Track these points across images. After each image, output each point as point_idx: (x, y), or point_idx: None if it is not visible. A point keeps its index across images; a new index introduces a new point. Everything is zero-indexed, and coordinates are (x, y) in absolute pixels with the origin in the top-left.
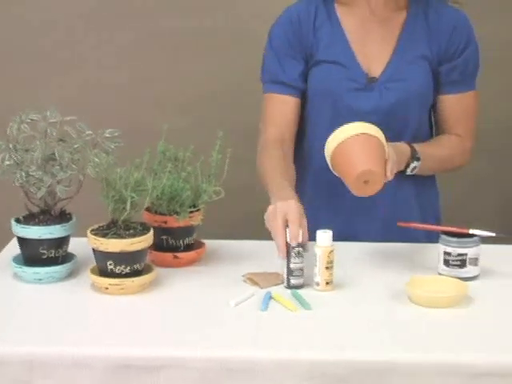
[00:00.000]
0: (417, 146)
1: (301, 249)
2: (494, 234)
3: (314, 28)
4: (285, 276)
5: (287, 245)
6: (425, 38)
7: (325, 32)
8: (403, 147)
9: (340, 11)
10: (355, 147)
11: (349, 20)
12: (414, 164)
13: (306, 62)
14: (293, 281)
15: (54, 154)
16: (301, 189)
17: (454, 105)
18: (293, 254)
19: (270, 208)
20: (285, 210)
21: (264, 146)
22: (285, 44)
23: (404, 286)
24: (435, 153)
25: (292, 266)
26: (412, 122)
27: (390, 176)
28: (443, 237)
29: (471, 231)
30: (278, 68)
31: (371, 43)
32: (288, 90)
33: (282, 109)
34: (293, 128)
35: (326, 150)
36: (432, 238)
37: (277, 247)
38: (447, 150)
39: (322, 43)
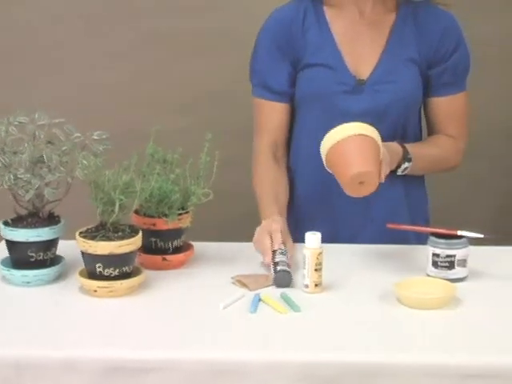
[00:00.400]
0: (409, 147)
1: (284, 249)
2: (482, 236)
3: (303, 31)
4: (272, 272)
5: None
6: (414, 41)
7: (313, 35)
8: (395, 147)
9: (329, 14)
10: (351, 148)
11: (338, 22)
12: (406, 165)
13: (294, 65)
14: (278, 267)
15: (42, 156)
16: (291, 192)
17: (446, 106)
18: (276, 253)
19: (257, 230)
20: (269, 228)
21: (256, 156)
22: (273, 48)
23: (393, 288)
24: (428, 153)
25: (277, 259)
26: (401, 123)
27: (383, 178)
28: (432, 238)
29: (460, 233)
30: (266, 72)
31: (360, 46)
32: (276, 96)
33: (272, 115)
34: (284, 133)
35: (321, 148)
36: (422, 239)
37: (261, 253)
38: (440, 150)
39: (310, 46)
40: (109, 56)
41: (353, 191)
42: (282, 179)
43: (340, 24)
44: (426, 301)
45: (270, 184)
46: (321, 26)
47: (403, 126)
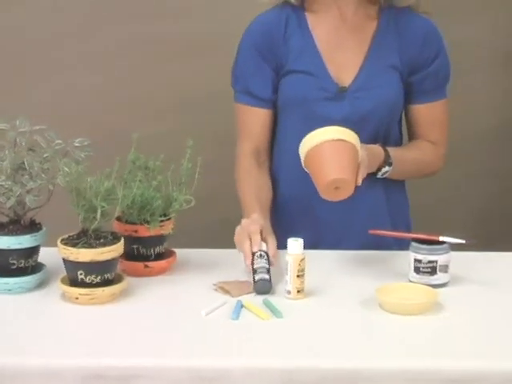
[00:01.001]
0: (391, 150)
1: (263, 252)
2: (463, 241)
3: (285, 38)
4: (251, 280)
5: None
6: (395, 48)
7: (295, 41)
8: (377, 150)
9: (311, 19)
10: (328, 153)
11: (319, 28)
12: (386, 169)
13: (276, 71)
14: (257, 277)
15: (23, 163)
16: (274, 198)
17: (427, 114)
18: (255, 257)
19: (237, 230)
20: (248, 224)
21: (239, 161)
22: (255, 54)
23: (374, 293)
24: (409, 157)
25: (255, 266)
26: (381, 130)
27: (360, 182)
28: (414, 244)
29: (441, 238)
30: (249, 79)
31: (342, 52)
32: (259, 102)
33: (255, 121)
34: (267, 138)
35: (300, 149)
36: (403, 245)
37: (243, 256)
38: (421, 155)
39: (292, 53)
40: (88, 62)
41: (328, 196)
42: (265, 183)
43: (322, 30)
44: (408, 306)
45: (252, 187)
46: (303, 33)
47: (384, 132)
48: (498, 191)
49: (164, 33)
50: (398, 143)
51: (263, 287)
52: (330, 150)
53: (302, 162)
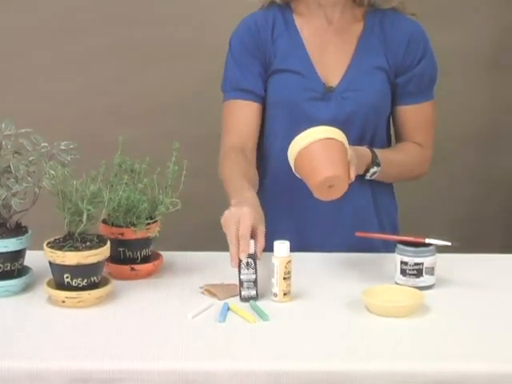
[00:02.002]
0: (378, 152)
1: (250, 260)
2: (449, 244)
3: (273, 37)
4: (238, 289)
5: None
6: (381, 49)
7: (283, 42)
8: (364, 151)
9: (298, 21)
10: (318, 152)
11: (307, 29)
12: (374, 169)
13: (265, 70)
14: (243, 292)
15: (9, 166)
16: (259, 199)
17: (413, 115)
18: (242, 265)
19: (226, 213)
20: (238, 217)
21: (225, 153)
22: (244, 52)
23: (361, 296)
24: (396, 159)
25: (242, 277)
26: (368, 131)
27: (353, 177)
28: (400, 246)
29: (427, 240)
30: (239, 75)
31: (329, 53)
32: (249, 95)
33: (243, 114)
34: (255, 134)
35: (289, 154)
36: (390, 247)
37: (230, 255)
38: (408, 157)
39: (280, 52)
40: (72, 65)
41: (322, 195)
42: (254, 173)
43: (309, 32)
44: (394, 309)
45: (239, 169)
46: (290, 34)
47: (372, 133)
48: (482, 194)
49: (149, 38)
50: (386, 144)
51: (250, 299)
52: (320, 150)
53: (292, 166)
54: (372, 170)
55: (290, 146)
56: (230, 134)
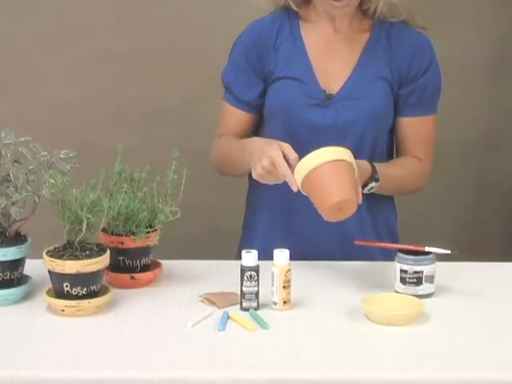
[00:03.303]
0: (378, 166)
1: (253, 272)
2: (449, 252)
3: (275, 46)
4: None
5: (241, 267)
6: (386, 60)
7: (286, 48)
8: (364, 166)
9: (304, 28)
10: (329, 175)
11: (312, 37)
12: (372, 184)
13: (264, 80)
14: (244, 303)
15: (8, 175)
16: (257, 208)
17: (413, 128)
18: (245, 277)
19: (255, 160)
20: (267, 150)
21: (218, 139)
22: (243, 60)
23: (360, 304)
24: (394, 174)
25: (244, 289)
26: (368, 141)
27: (360, 200)
28: (399, 255)
29: (427, 249)
30: (236, 83)
31: (332, 61)
32: (243, 105)
33: (236, 120)
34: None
35: (296, 173)
36: (388, 255)
37: (288, 182)
38: (406, 172)
39: (282, 60)
40: (71, 73)
41: (332, 217)
42: None
43: (314, 39)
44: (393, 317)
45: (233, 137)
46: (294, 41)
47: (371, 144)
48: (482, 200)
49: (149, 45)
50: (386, 155)
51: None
52: (330, 172)
53: (299, 185)
54: (370, 185)
55: (298, 165)
56: (223, 133)
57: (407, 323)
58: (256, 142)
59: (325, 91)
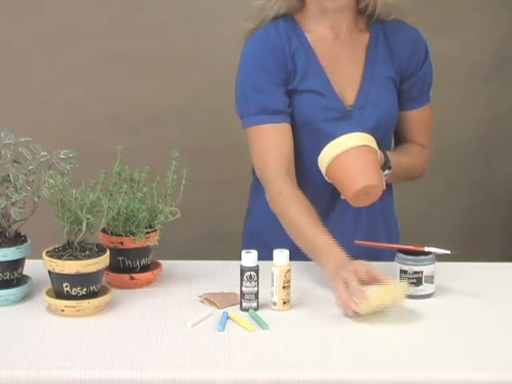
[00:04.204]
0: (389, 154)
1: (253, 273)
2: (449, 252)
3: (291, 53)
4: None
5: (241, 268)
6: (388, 58)
7: (300, 59)
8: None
9: (310, 38)
10: (355, 160)
11: (319, 46)
12: (386, 172)
13: (285, 85)
14: (244, 304)
15: (8, 175)
16: (265, 208)
17: (416, 119)
18: (245, 278)
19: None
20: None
21: (273, 185)
22: (263, 74)
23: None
24: (403, 161)
25: (244, 289)
26: (385, 141)
27: (385, 186)
28: (399, 255)
29: (427, 249)
30: (265, 97)
31: (341, 68)
32: (279, 117)
33: (281, 138)
34: (293, 155)
35: (321, 158)
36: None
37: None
38: (413, 158)
39: (299, 71)
40: (70, 75)
41: (357, 202)
42: (307, 201)
43: (322, 48)
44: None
45: (305, 212)
46: (306, 51)
47: (386, 142)
48: (481, 202)
49: (148, 47)
50: (390, 145)
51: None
52: (356, 157)
53: (324, 172)
54: (384, 173)
55: (323, 151)
56: (268, 165)
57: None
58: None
59: (343, 103)
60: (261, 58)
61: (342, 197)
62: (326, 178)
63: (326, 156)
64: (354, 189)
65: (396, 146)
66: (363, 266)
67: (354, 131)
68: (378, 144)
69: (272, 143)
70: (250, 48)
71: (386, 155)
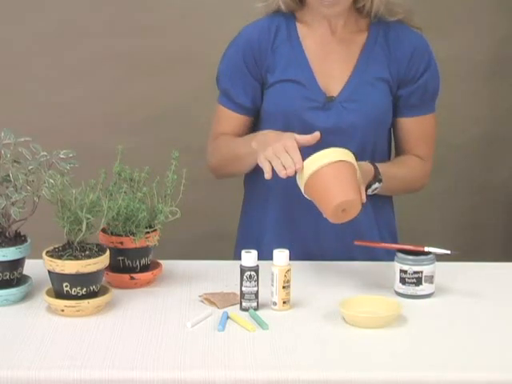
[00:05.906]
0: (380, 167)
1: (253, 273)
2: (449, 252)
3: (273, 47)
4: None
5: (240, 267)
6: (385, 61)
7: (284, 51)
8: (367, 167)
9: (301, 30)
10: (331, 176)
11: (309, 39)
12: (376, 185)
13: (261, 82)
14: (244, 303)
15: (8, 175)
16: (260, 210)
17: (414, 127)
18: (245, 277)
19: (267, 147)
20: (284, 137)
21: (214, 139)
22: (240, 64)
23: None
24: (398, 173)
25: (244, 289)
26: (369, 142)
27: (364, 200)
28: (399, 255)
29: (427, 249)
30: (230, 87)
31: (331, 63)
32: (238, 108)
33: (232, 123)
34: None
35: (298, 178)
36: (393, 256)
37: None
38: (409, 171)
39: (280, 63)
40: (70, 75)
41: (336, 219)
42: None
43: (312, 41)
44: (368, 319)
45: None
46: (292, 43)
47: (372, 144)
48: (481, 203)
49: (147, 47)
50: (387, 156)
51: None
52: (332, 173)
53: (303, 189)
54: (374, 186)
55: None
56: (218, 133)
57: (384, 326)
58: (268, 132)
59: (325, 94)
60: (241, 50)
61: (324, 216)
62: (306, 197)
63: (302, 175)
64: (331, 206)
65: (396, 157)
66: (291, 137)
67: (334, 126)
68: (357, 158)
69: (228, 124)
70: (236, 39)
71: (375, 167)
